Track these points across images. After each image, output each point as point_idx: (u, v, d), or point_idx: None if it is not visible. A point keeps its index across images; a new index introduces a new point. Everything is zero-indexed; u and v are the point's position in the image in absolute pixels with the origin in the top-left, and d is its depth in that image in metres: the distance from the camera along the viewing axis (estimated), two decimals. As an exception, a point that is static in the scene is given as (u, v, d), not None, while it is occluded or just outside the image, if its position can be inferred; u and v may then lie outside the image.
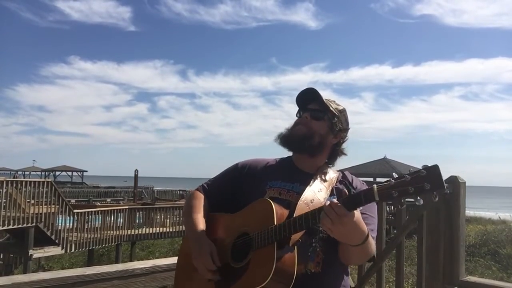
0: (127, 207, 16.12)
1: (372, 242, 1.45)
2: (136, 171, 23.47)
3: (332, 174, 1.67)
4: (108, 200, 28.62)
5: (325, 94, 1.68)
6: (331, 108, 1.67)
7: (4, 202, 11.16)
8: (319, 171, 1.65)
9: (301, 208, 1.46)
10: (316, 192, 1.56)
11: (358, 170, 22.45)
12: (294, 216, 1.43)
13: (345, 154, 1.74)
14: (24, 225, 11.57)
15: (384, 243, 3.06)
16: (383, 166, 22.39)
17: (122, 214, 15.11)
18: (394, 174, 1.21)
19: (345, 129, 1.71)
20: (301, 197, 1.52)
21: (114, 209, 15.11)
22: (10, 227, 11.30)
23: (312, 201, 1.51)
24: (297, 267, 1.41)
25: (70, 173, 45.10)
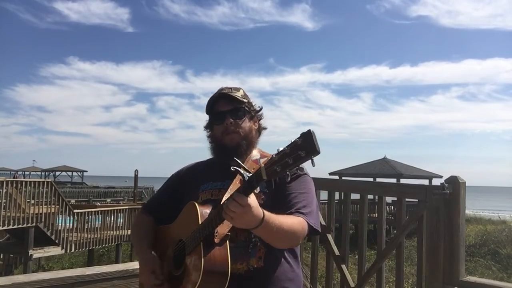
0: (127, 207, 16.10)
1: (285, 221, 1.39)
2: (136, 171, 23.43)
3: (261, 160, 1.62)
4: (108, 200, 28.56)
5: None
6: (240, 98, 1.62)
7: (4, 202, 11.13)
8: (247, 162, 1.62)
9: None
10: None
11: (359, 170, 22.42)
12: None
13: (265, 129, 1.72)
14: (24, 225, 11.54)
15: (384, 243, 3.06)
16: (383, 166, 22.32)
17: (122, 214, 15.09)
18: (278, 148, 1.17)
19: (258, 110, 1.69)
20: (226, 193, 1.51)
21: (114, 209, 15.10)
22: (10, 227, 11.28)
23: None
24: (239, 265, 1.44)
25: (70, 173, 45.05)
